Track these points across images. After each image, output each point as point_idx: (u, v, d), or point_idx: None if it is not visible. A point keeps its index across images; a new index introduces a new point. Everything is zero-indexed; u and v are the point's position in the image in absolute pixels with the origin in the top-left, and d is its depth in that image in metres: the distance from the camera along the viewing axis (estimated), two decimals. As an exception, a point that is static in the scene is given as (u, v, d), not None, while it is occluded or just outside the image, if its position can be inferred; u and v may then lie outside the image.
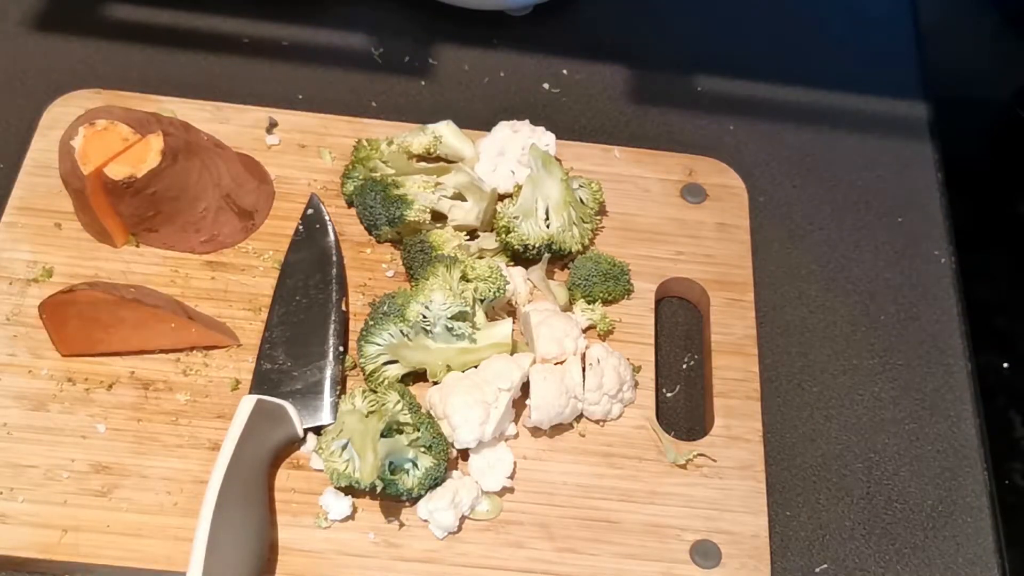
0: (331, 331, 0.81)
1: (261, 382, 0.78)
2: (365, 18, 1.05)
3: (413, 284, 0.83)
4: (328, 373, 0.79)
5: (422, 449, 0.75)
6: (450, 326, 0.79)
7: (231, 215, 0.86)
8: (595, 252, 0.88)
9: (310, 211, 0.87)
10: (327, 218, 0.87)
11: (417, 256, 0.84)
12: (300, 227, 0.86)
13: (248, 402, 0.75)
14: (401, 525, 0.76)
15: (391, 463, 0.74)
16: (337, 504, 0.75)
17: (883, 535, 0.81)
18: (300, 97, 0.99)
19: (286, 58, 1.01)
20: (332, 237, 0.86)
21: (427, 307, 0.78)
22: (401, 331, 0.79)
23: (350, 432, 0.73)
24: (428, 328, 0.79)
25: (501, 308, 0.85)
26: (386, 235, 0.87)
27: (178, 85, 0.96)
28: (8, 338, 0.81)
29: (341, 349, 0.81)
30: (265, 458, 0.75)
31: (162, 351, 0.81)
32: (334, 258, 0.85)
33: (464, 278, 0.81)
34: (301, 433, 0.77)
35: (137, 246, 0.86)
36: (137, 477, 0.76)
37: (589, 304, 0.86)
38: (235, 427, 0.73)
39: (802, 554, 0.80)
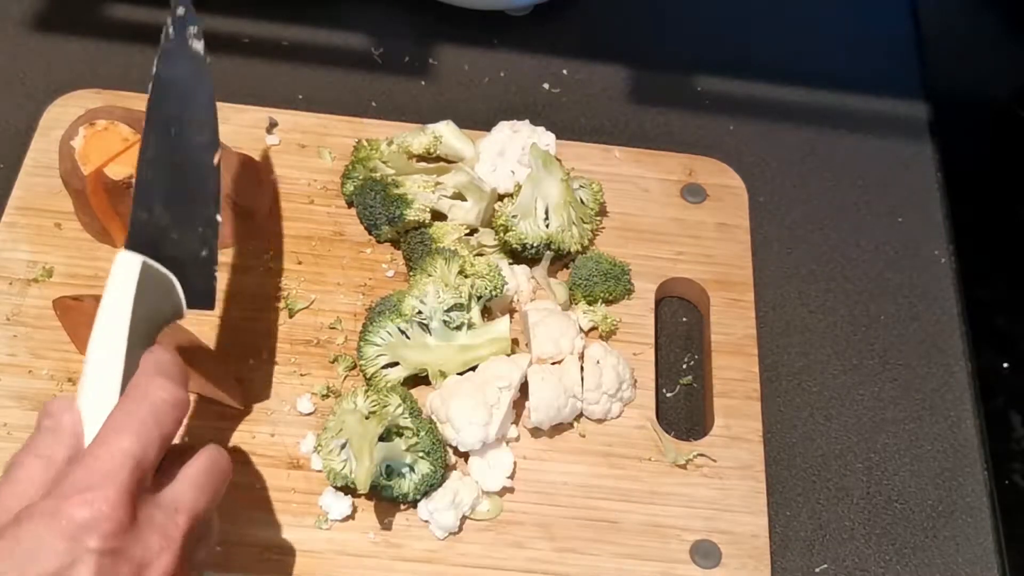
0: (210, 191, 0.69)
1: (138, 237, 0.66)
2: (365, 18, 1.05)
3: (411, 275, 0.84)
4: (213, 246, 0.68)
5: (420, 454, 0.75)
6: (447, 319, 0.79)
7: (231, 215, 0.86)
8: (596, 252, 0.88)
9: (180, 11, 0.69)
10: (198, 30, 0.70)
11: (417, 247, 0.84)
12: (170, 30, 0.69)
13: (133, 262, 0.64)
14: (401, 525, 0.76)
15: (388, 466, 0.74)
16: (337, 504, 0.75)
17: (883, 535, 0.81)
18: (300, 97, 0.99)
19: (286, 58, 1.01)
20: (206, 59, 0.70)
21: (422, 301, 0.78)
22: (399, 328, 0.79)
23: (349, 432, 0.73)
24: (425, 323, 0.79)
25: (503, 309, 0.85)
26: (386, 235, 0.88)
27: (178, 85, 0.96)
28: (8, 338, 0.81)
29: (219, 218, 0.69)
30: (150, 333, 0.64)
31: None
32: (209, 87, 0.69)
33: (462, 273, 0.81)
34: (185, 314, 0.67)
35: (137, 246, 0.86)
36: (137, 477, 0.76)
37: (591, 304, 0.86)
38: (124, 292, 0.62)
39: (802, 554, 0.80)
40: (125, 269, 0.64)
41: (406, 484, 0.74)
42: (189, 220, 0.68)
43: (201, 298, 0.68)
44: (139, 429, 0.56)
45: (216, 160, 0.69)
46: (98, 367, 0.60)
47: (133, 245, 0.65)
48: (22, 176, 0.88)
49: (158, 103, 0.69)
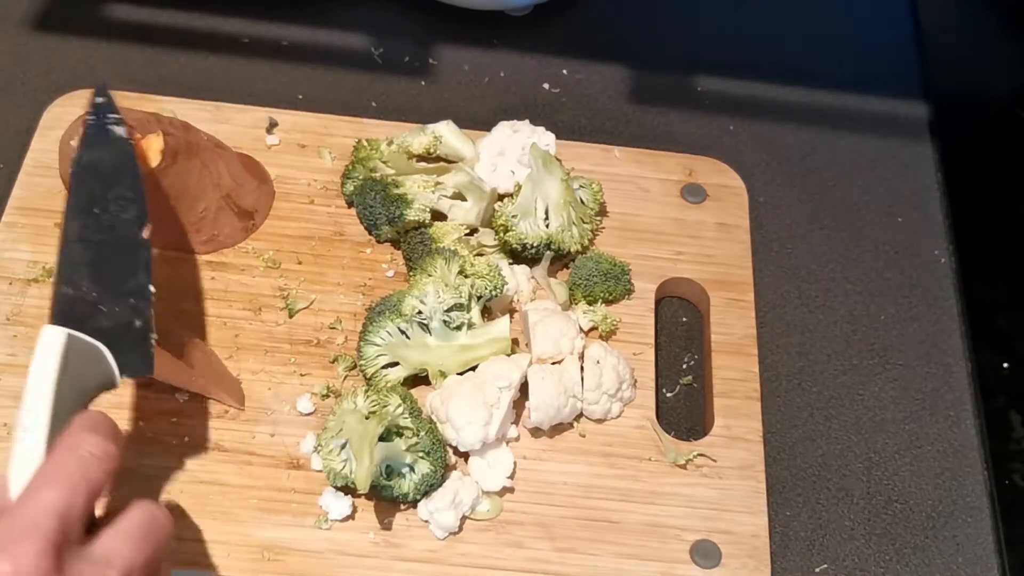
0: (140, 262, 0.70)
1: (65, 312, 0.66)
2: (365, 18, 1.05)
3: (411, 275, 0.84)
4: (146, 315, 0.68)
5: (420, 454, 0.75)
6: (447, 319, 0.79)
7: (231, 215, 0.86)
8: (596, 252, 0.88)
9: (100, 100, 0.75)
10: (118, 116, 0.75)
11: (417, 247, 0.85)
12: (91, 119, 0.74)
13: (56, 335, 0.64)
14: (401, 525, 0.76)
15: (388, 466, 0.74)
16: (337, 504, 0.75)
17: (883, 535, 0.81)
18: (300, 97, 0.99)
19: (286, 58, 1.01)
20: (129, 141, 0.74)
21: (422, 301, 0.78)
22: (399, 328, 0.79)
23: (349, 432, 0.73)
24: (425, 323, 0.79)
25: (503, 309, 0.85)
26: (386, 235, 0.88)
27: (178, 85, 0.96)
28: (8, 338, 0.81)
29: (152, 288, 0.69)
30: (81, 401, 0.64)
31: (170, 385, 0.78)
32: (134, 167, 0.72)
33: (462, 273, 0.81)
34: (119, 382, 0.67)
35: (137, 246, 0.86)
36: (137, 477, 0.76)
37: (591, 304, 0.86)
38: (48, 363, 0.62)
39: (802, 554, 0.80)
40: (49, 342, 0.63)
41: (406, 484, 0.74)
42: (119, 293, 0.68)
43: (136, 367, 0.67)
44: (65, 482, 0.56)
45: (146, 233, 0.71)
46: (24, 436, 0.60)
47: (59, 319, 0.65)
48: (22, 176, 0.88)
49: (80, 186, 0.71)
